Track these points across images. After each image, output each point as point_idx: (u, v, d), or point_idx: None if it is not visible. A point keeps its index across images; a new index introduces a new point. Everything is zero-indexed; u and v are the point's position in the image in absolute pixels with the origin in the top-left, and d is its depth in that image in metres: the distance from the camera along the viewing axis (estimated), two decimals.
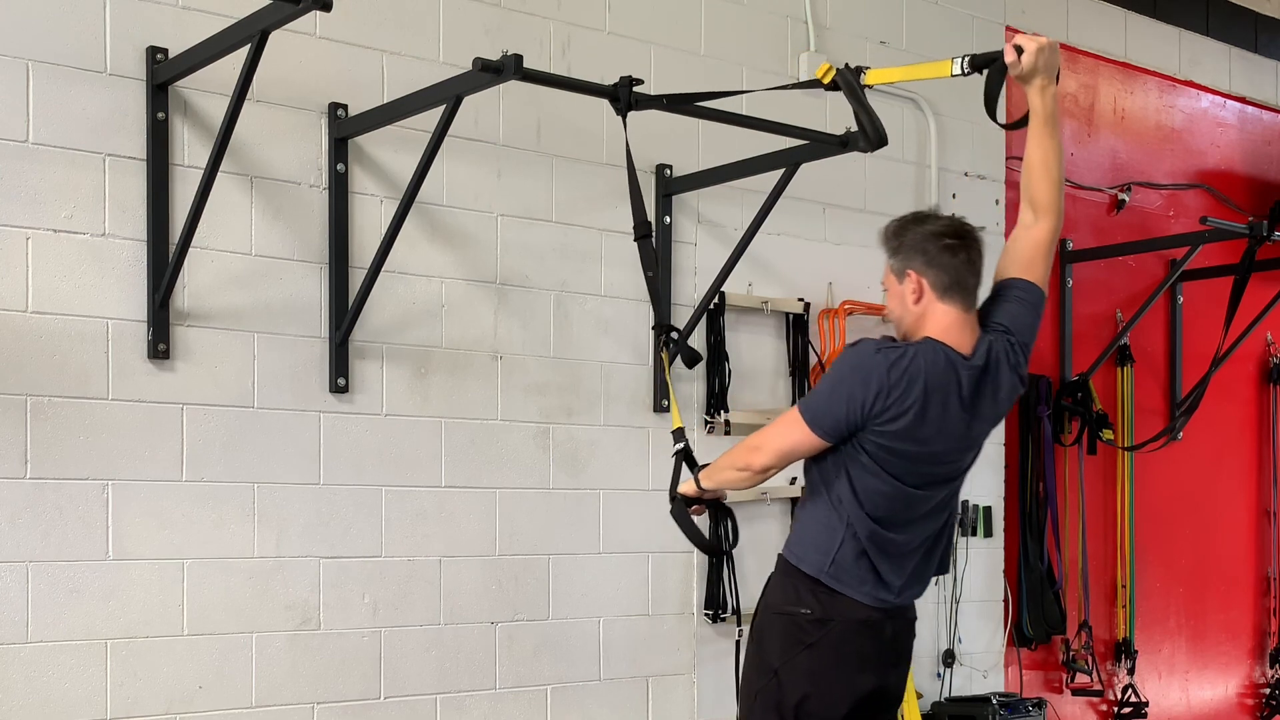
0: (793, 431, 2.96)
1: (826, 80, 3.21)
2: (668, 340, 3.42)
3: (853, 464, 2.93)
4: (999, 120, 3.21)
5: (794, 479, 4.33)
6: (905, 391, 2.84)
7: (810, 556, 2.99)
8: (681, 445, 3.24)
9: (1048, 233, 3.08)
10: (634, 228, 3.34)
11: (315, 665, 3.43)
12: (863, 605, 2.96)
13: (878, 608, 2.97)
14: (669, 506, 3.20)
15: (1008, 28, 5.05)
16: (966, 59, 3.07)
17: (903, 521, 2.97)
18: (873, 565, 2.95)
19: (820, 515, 3.00)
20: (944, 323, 2.93)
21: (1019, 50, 2.98)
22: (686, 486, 3.16)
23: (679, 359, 3.52)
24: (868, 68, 3.19)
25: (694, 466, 3.19)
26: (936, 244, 2.95)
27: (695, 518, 3.19)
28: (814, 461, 3.02)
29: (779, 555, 3.14)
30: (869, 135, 3.24)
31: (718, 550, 3.42)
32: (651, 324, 3.46)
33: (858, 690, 2.96)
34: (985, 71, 3.05)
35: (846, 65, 3.21)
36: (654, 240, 4.00)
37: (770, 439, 3.02)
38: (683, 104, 3.48)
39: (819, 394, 2.96)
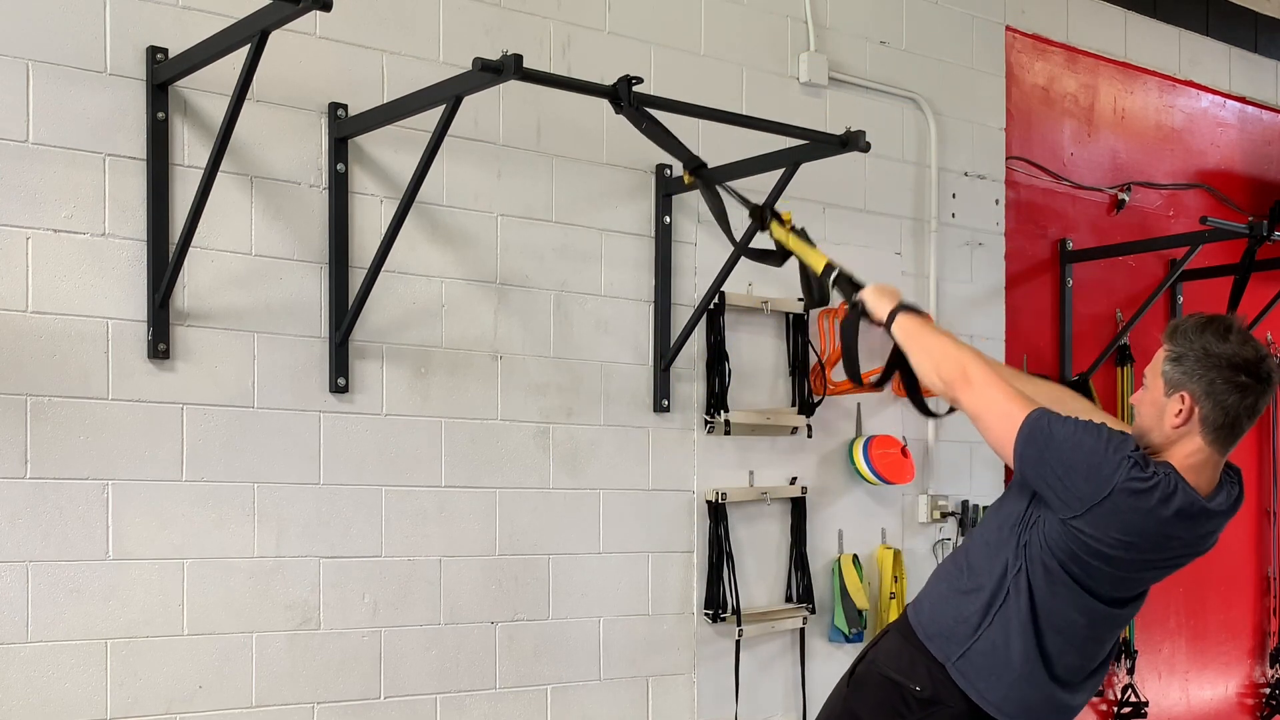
0: (1003, 423, 2.66)
1: (688, 180, 3.37)
2: (765, 215, 3.22)
3: (1042, 575, 2.71)
4: (860, 380, 3.13)
5: (794, 479, 4.34)
6: (1119, 511, 2.60)
7: (939, 641, 2.81)
8: (837, 271, 3.05)
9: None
10: (684, 164, 3.32)
11: (315, 665, 3.43)
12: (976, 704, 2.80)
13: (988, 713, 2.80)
14: (842, 314, 3.11)
15: (1008, 27, 5.06)
16: (835, 274, 3.09)
17: (1071, 636, 2.77)
18: (1009, 671, 2.75)
19: (966, 598, 2.80)
20: (1194, 458, 2.65)
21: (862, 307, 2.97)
22: (875, 305, 2.94)
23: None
24: (775, 215, 3.27)
25: (855, 284, 3.04)
26: (1228, 378, 2.61)
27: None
28: (987, 530, 2.83)
29: (905, 610, 2.98)
30: (811, 299, 3.23)
31: (860, 381, 3.14)
32: (748, 213, 3.31)
33: None
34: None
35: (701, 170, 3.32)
36: (654, 240, 4.02)
37: (985, 397, 2.71)
38: (682, 112, 3.47)
39: (1055, 425, 2.63)
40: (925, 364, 2.83)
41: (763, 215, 3.27)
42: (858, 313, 3.00)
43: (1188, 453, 2.66)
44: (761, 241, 3.44)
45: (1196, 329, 2.66)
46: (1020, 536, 2.75)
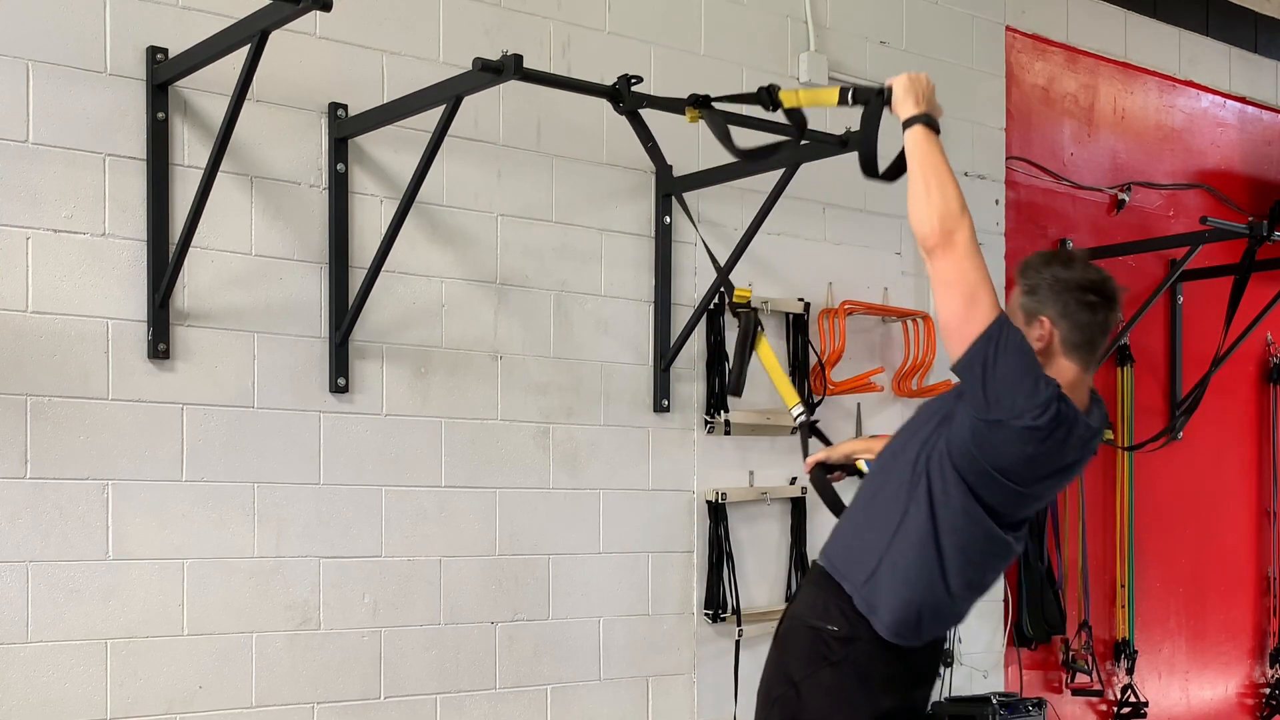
0: (983, 304, 2.66)
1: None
2: (770, 91, 3.18)
3: (938, 488, 2.78)
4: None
5: (794, 479, 4.34)
6: (1048, 420, 2.67)
7: (849, 573, 2.88)
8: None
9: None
10: (688, 98, 3.28)
11: (315, 665, 3.43)
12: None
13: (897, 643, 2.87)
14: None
15: (1008, 28, 5.06)
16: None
17: (974, 564, 2.85)
18: (910, 589, 2.82)
19: (868, 529, 2.88)
20: (1064, 378, 2.75)
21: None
22: (903, 100, 2.91)
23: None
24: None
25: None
26: (1078, 298, 2.77)
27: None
28: (888, 474, 2.89)
29: (814, 562, 3.06)
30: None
31: (876, 172, 3.07)
32: (756, 98, 3.23)
33: (878, 709, 2.88)
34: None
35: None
36: (654, 240, 4.02)
37: (970, 266, 2.69)
38: (681, 111, 3.46)
39: (1018, 338, 2.69)
40: (921, 197, 2.77)
41: (769, 93, 3.20)
42: (882, 100, 2.92)
43: (1058, 375, 2.75)
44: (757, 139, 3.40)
45: (1043, 262, 2.84)
46: (919, 457, 2.82)
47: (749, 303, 3.39)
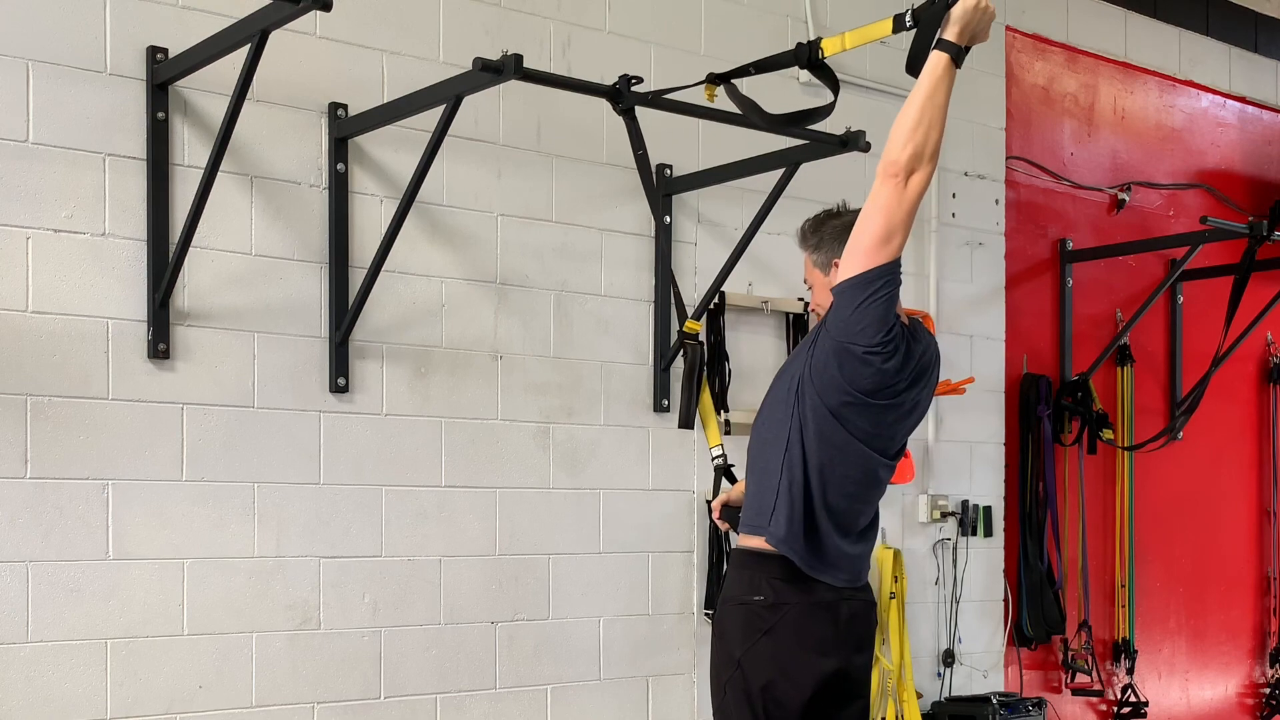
0: (892, 243, 2.78)
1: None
2: (811, 47, 3.16)
3: (809, 415, 2.91)
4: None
5: None
6: (895, 347, 2.86)
7: (758, 524, 2.98)
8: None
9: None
10: (706, 77, 3.28)
11: (315, 665, 3.43)
12: (818, 585, 2.96)
13: (833, 586, 2.97)
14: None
15: (1007, 27, 5.06)
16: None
17: (854, 485, 2.99)
18: (802, 510, 2.94)
19: (761, 481, 3.00)
20: None
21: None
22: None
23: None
24: (820, 39, 3.13)
25: (733, 479, 3.33)
26: None
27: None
28: (764, 422, 3.03)
29: (734, 548, 3.14)
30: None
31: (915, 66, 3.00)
32: (794, 56, 3.18)
33: (820, 671, 2.96)
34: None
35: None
36: (654, 240, 4.02)
37: (904, 207, 2.80)
38: (681, 111, 3.46)
39: (894, 284, 2.84)
40: (908, 124, 2.81)
41: (810, 47, 3.16)
42: (943, 8, 2.84)
43: None
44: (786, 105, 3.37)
45: (817, 221, 3.12)
46: (793, 396, 2.96)
47: (697, 335, 3.47)
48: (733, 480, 3.39)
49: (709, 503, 3.48)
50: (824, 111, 3.24)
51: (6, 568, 3.02)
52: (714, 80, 3.28)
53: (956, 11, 2.83)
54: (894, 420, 2.99)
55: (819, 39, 3.12)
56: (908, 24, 2.89)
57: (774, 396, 3.06)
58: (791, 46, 4.33)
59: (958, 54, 2.82)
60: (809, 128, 3.59)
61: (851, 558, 3.03)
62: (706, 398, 3.53)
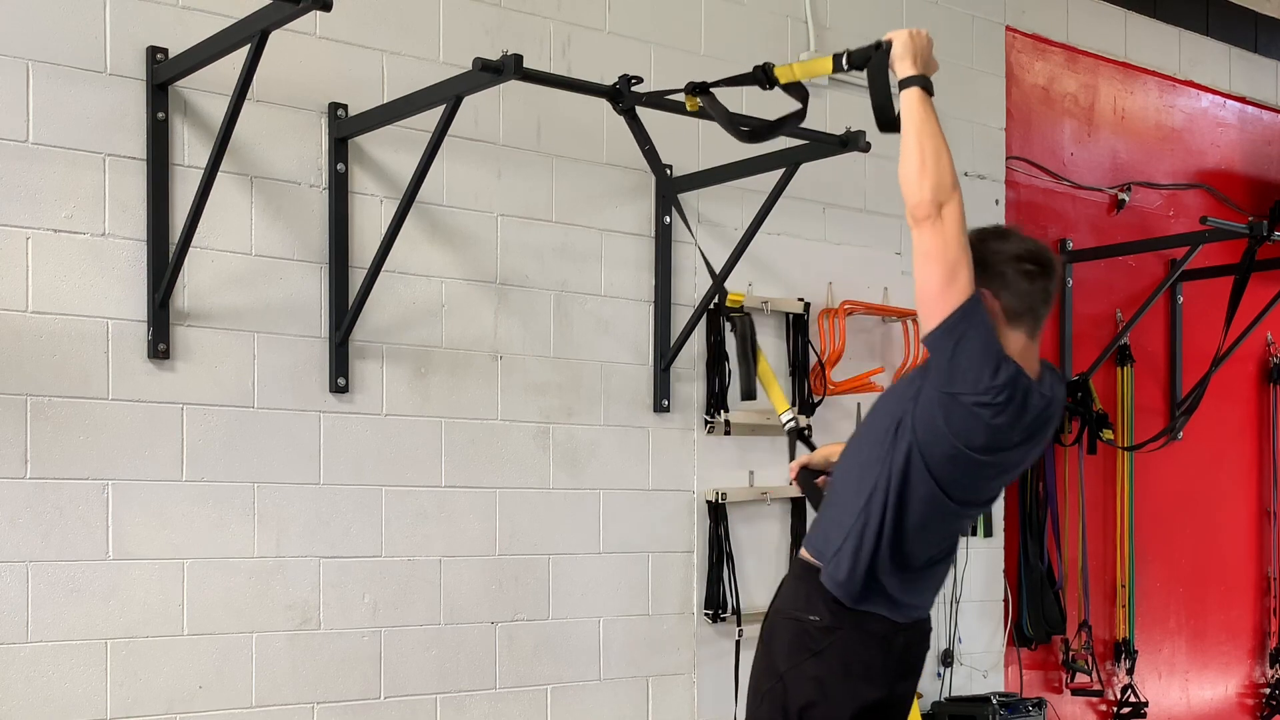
0: (961, 280, 2.66)
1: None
2: (765, 69, 3.17)
3: (901, 465, 2.80)
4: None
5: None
6: (1007, 397, 2.70)
7: (824, 556, 2.90)
8: (793, 423, 3.21)
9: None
10: (686, 86, 3.26)
11: (315, 665, 3.43)
12: (874, 617, 2.89)
13: (890, 619, 2.90)
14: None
15: (1007, 27, 5.06)
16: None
17: (928, 534, 2.88)
18: (868, 553, 2.86)
19: (839, 513, 2.90)
20: (1012, 349, 2.77)
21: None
22: (901, 61, 2.88)
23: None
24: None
25: (811, 445, 3.20)
26: (1016, 267, 2.79)
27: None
28: (857, 455, 2.91)
29: (796, 555, 3.08)
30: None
31: (895, 126, 2.98)
32: (751, 77, 3.20)
33: (862, 699, 2.90)
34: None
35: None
36: (654, 240, 4.02)
37: (955, 242, 2.68)
38: (681, 112, 3.46)
39: (988, 319, 2.71)
40: (914, 164, 2.74)
41: (764, 71, 3.19)
42: (884, 54, 2.89)
43: (1005, 345, 2.77)
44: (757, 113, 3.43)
45: (979, 238, 2.82)
46: (890, 439, 2.82)
47: (741, 306, 3.41)
48: (810, 445, 3.28)
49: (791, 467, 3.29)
50: (793, 120, 3.25)
51: (6, 568, 3.02)
52: (693, 90, 3.28)
53: (897, 49, 2.86)
54: (994, 475, 2.88)
55: (770, 65, 3.15)
56: (844, 66, 2.96)
57: (871, 431, 2.91)
58: (791, 47, 4.35)
59: (925, 83, 2.82)
60: (806, 136, 3.61)
61: (916, 597, 2.94)
62: (765, 365, 3.42)
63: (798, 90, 3.22)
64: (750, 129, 3.29)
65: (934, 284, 2.70)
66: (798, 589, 2.98)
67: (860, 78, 4.54)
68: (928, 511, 2.83)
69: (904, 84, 2.83)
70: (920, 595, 2.97)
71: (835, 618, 2.88)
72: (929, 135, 2.77)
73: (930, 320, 2.72)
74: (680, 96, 3.33)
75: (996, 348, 2.71)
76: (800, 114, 3.23)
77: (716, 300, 4.09)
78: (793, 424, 3.31)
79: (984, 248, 2.80)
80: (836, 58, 2.99)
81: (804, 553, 3.01)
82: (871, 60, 2.89)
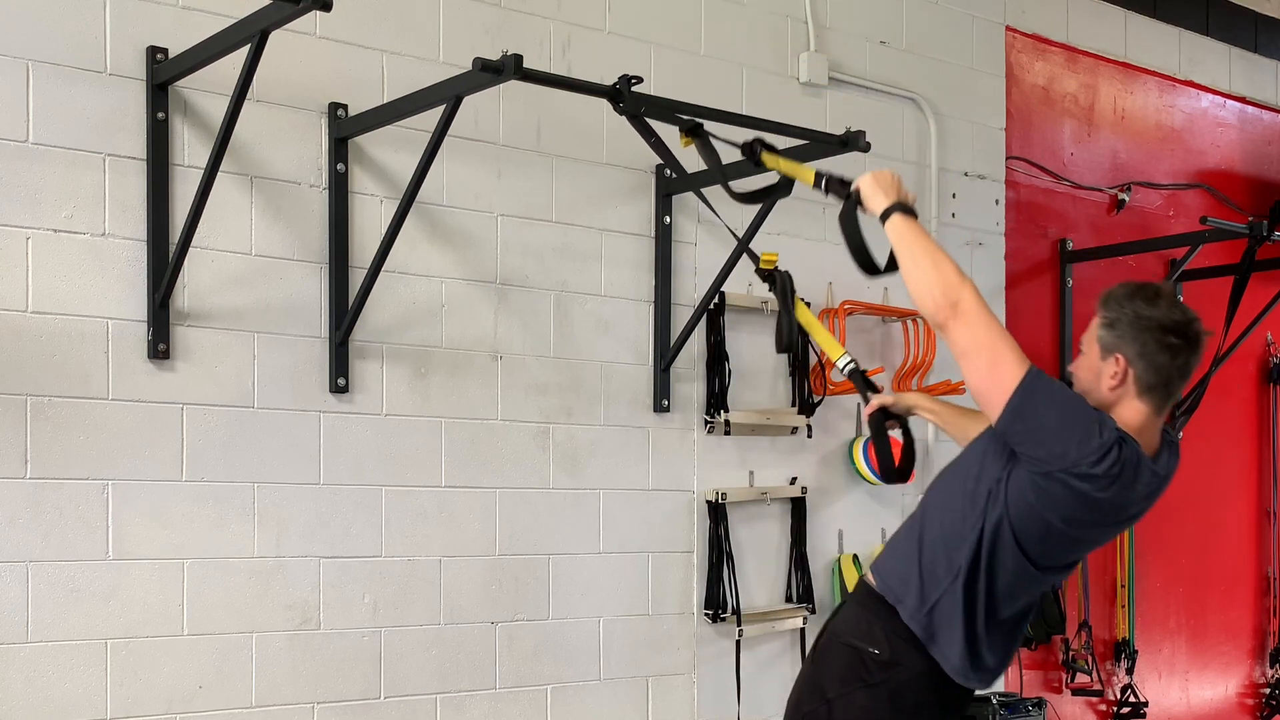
0: (993, 369, 2.63)
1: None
2: (755, 148, 3.27)
3: (991, 536, 2.76)
4: (878, 269, 3.03)
5: (794, 479, 4.34)
6: (1106, 476, 2.64)
7: (906, 598, 2.85)
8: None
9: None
10: (681, 128, 3.32)
11: (315, 665, 3.43)
12: (936, 664, 2.85)
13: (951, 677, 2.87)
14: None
15: (1007, 27, 5.06)
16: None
17: (1017, 600, 2.85)
18: (972, 627, 2.81)
19: (928, 555, 2.84)
20: (1136, 420, 2.72)
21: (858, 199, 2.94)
22: (872, 199, 2.90)
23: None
24: (764, 145, 3.31)
25: (874, 388, 3.13)
26: (1159, 339, 2.70)
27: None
28: (942, 497, 2.86)
29: (861, 579, 3.03)
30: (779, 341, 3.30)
31: (876, 269, 3.03)
32: (741, 151, 3.31)
33: None
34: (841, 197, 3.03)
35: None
36: (654, 240, 4.02)
37: (977, 336, 2.66)
38: (681, 112, 3.47)
39: (1052, 386, 2.65)
40: (918, 278, 2.76)
41: (752, 149, 3.29)
42: (854, 202, 2.95)
43: (1129, 415, 2.73)
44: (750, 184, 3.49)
45: (1127, 295, 2.74)
46: (981, 502, 2.78)
47: (775, 265, 3.35)
48: (874, 387, 3.17)
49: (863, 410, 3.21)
50: (779, 193, 3.35)
51: (6, 568, 3.02)
52: (687, 131, 3.35)
53: (865, 193, 2.90)
54: (1087, 545, 2.87)
55: (761, 144, 3.31)
56: (821, 186, 3.07)
57: (960, 482, 2.84)
58: (790, 47, 4.34)
59: (902, 208, 2.83)
60: (806, 136, 3.62)
61: (994, 655, 2.90)
62: (807, 314, 3.31)
63: (774, 190, 3.33)
64: (736, 194, 3.35)
65: (980, 374, 2.67)
66: (860, 617, 2.93)
67: (866, 77, 4.57)
68: (1014, 580, 2.80)
69: (884, 217, 2.85)
70: (997, 654, 2.91)
71: (896, 653, 2.85)
72: (921, 247, 2.77)
73: (994, 410, 2.67)
74: (679, 97, 3.34)
75: (1079, 411, 2.64)
76: (786, 189, 3.30)
77: (717, 301, 4.09)
78: (852, 365, 3.16)
79: (1130, 307, 2.72)
80: (818, 176, 3.10)
81: (871, 579, 2.96)
82: (843, 206, 2.98)
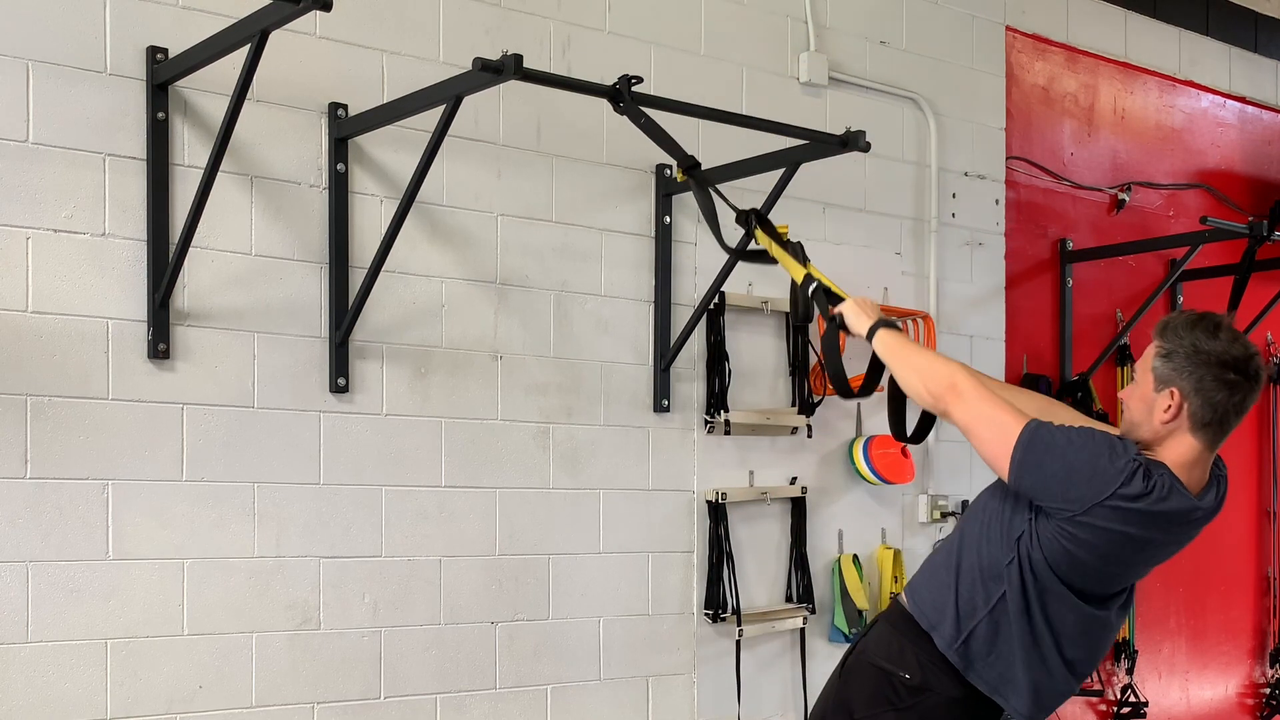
0: (998, 435, 2.67)
1: (680, 178, 3.42)
2: (758, 218, 3.29)
3: (1025, 554, 2.75)
4: (852, 394, 3.10)
5: (794, 479, 4.34)
6: (1129, 516, 2.62)
7: (941, 626, 2.85)
8: (816, 284, 3.09)
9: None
10: (678, 164, 3.35)
11: (315, 665, 3.43)
12: (969, 686, 2.84)
13: (985, 694, 2.84)
14: (823, 328, 3.10)
15: (1008, 27, 5.06)
16: (813, 289, 3.12)
17: (1068, 635, 2.82)
18: (1009, 660, 2.79)
19: (965, 583, 2.83)
20: (1186, 457, 2.67)
21: (842, 323, 2.99)
22: (855, 321, 2.96)
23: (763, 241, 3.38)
24: (759, 218, 3.32)
25: (835, 297, 3.07)
26: (1217, 375, 2.63)
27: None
28: (981, 527, 2.84)
29: (894, 598, 3.03)
30: (795, 316, 3.26)
31: (850, 393, 3.09)
32: (736, 218, 3.35)
33: None
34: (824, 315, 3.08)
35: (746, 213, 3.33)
36: (654, 240, 4.03)
37: (977, 411, 2.71)
38: (683, 113, 3.47)
39: (1054, 435, 2.64)
40: (911, 379, 2.83)
41: (748, 220, 3.32)
42: (836, 327, 3.02)
43: (1180, 451, 2.69)
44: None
45: (1187, 326, 2.68)
46: (1015, 536, 2.78)
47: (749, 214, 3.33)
48: (836, 297, 3.10)
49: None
50: (764, 260, 3.35)
51: (6, 568, 3.02)
52: (686, 169, 3.38)
53: (849, 319, 2.99)
54: (1134, 571, 2.83)
55: (757, 216, 3.32)
56: (809, 294, 3.12)
57: (997, 513, 2.83)
58: (790, 47, 4.35)
59: (885, 324, 2.91)
60: (806, 136, 3.62)
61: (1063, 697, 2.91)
62: (780, 252, 3.24)
63: (763, 254, 3.31)
64: (722, 240, 3.35)
65: (987, 443, 2.71)
66: (892, 639, 2.92)
67: (866, 77, 4.58)
68: (1066, 619, 2.79)
69: (870, 335, 2.93)
70: (1059, 691, 2.89)
71: (927, 679, 2.85)
72: (910, 352, 2.86)
73: (1005, 473, 2.70)
74: (679, 97, 3.34)
75: (1090, 450, 2.61)
76: (770, 260, 3.31)
77: (717, 301, 4.09)
78: (816, 285, 3.13)
79: (1189, 338, 2.66)
80: (807, 278, 3.14)
81: (905, 602, 2.95)
82: (825, 333, 3.05)
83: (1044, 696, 2.87)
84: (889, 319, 2.94)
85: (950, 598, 2.84)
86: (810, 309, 3.15)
